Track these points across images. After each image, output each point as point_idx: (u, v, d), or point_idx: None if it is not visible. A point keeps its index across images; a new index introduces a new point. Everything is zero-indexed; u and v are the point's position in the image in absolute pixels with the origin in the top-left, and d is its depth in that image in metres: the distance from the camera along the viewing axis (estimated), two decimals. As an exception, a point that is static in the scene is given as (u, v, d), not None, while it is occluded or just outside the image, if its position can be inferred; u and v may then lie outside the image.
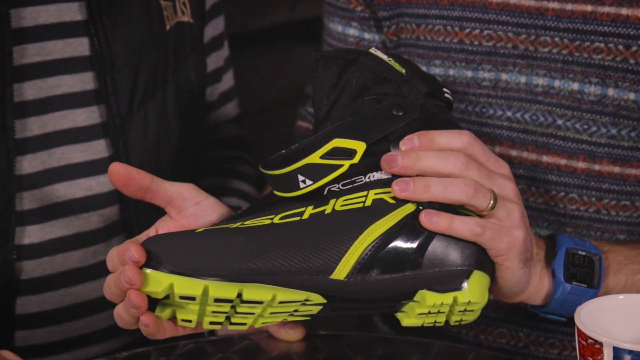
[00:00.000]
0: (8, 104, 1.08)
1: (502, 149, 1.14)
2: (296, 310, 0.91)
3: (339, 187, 0.92)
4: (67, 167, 1.13)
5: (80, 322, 1.17)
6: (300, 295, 0.89)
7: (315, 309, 0.92)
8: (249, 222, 0.90)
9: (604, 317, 0.85)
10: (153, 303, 0.90)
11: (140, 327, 0.91)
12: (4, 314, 1.13)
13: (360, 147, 0.91)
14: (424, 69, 1.16)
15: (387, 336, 1.07)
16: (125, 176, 0.93)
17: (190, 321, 0.90)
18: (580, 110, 1.10)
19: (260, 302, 0.89)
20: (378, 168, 0.92)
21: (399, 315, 0.94)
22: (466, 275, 0.91)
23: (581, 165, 1.11)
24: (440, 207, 0.91)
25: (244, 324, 0.91)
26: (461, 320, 0.94)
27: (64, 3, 1.12)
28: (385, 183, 0.91)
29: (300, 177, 0.91)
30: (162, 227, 0.96)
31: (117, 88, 1.14)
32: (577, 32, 1.08)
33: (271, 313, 0.90)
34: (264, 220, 0.90)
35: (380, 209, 0.90)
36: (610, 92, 1.08)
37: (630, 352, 0.78)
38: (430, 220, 0.90)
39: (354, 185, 0.91)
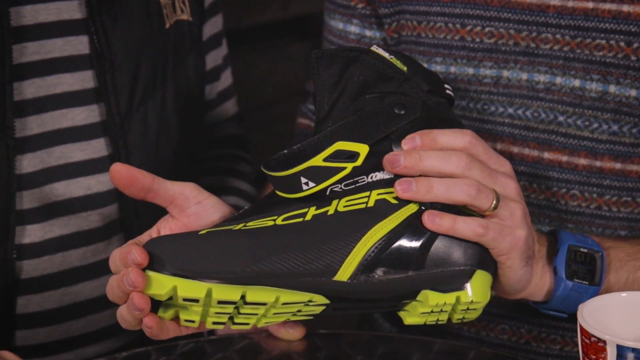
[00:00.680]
0: (8, 103, 1.08)
1: (503, 145, 1.14)
2: (299, 311, 0.91)
3: (341, 188, 0.91)
4: (66, 166, 1.13)
5: (81, 321, 1.17)
6: (304, 296, 0.89)
7: (318, 309, 0.92)
8: (252, 224, 0.90)
9: (607, 315, 0.85)
10: (156, 303, 0.90)
11: (143, 329, 0.90)
12: (4, 313, 1.12)
13: (363, 149, 0.91)
14: (425, 66, 1.16)
15: (388, 335, 1.07)
16: (127, 177, 0.92)
17: (193, 321, 0.90)
18: (582, 107, 1.10)
19: (264, 304, 0.89)
20: (380, 168, 0.92)
21: (401, 313, 0.94)
22: (469, 275, 0.91)
23: (582, 161, 1.11)
24: (442, 207, 0.91)
25: (247, 324, 0.91)
26: (463, 318, 0.94)
27: (63, 1, 1.12)
28: (388, 183, 0.91)
29: (303, 180, 0.91)
30: (163, 226, 0.95)
31: (116, 86, 1.14)
32: (578, 29, 1.08)
33: (274, 313, 0.90)
34: (267, 222, 0.90)
35: (383, 210, 0.90)
36: (612, 88, 1.08)
37: (633, 349, 0.78)
38: (433, 221, 0.90)
39: (357, 185, 0.91)
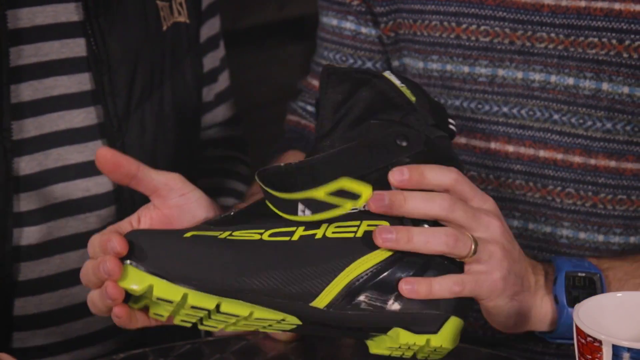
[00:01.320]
0: (5, 105, 1.08)
1: (498, 144, 1.14)
2: (270, 325, 0.91)
3: None
4: (64, 168, 1.13)
5: (79, 323, 1.17)
6: (277, 315, 0.89)
7: (288, 327, 0.92)
8: (238, 234, 0.89)
9: (603, 315, 0.85)
10: (127, 294, 0.89)
11: (112, 317, 0.90)
12: (2, 315, 1.12)
13: (366, 191, 0.90)
14: (421, 64, 1.16)
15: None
16: (113, 162, 0.92)
17: (162, 316, 0.90)
18: (576, 105, 1.10)
19: (237, 316, 0.88)
20: None
21: (368, 342, 0.94)
22: (443, 320, 0.91)
23: (577, 159, 1.11)
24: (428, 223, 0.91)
25: (215, 327, 0.91)
26: (428, 357, 0.94)
27: (60, 4, 1.12)
28: (380, 215, 0.90)
29: (301, 206, 0.90)
30: (144, 215, 0.94)
31: (114, 89, 1.14)
32: (571, 27, 1.09)
33: (245, 324, 0.90)
34: (254, 235, 0.89)
35: (370, 242, 0.89)
36: (605, 86, 1.09)
37: (629, 349, 0.78)
38: (410, 290, 0.89)
39: (349, 211, 0.90)
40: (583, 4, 1.08)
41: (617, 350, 0.79)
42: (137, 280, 0.86)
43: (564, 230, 1.14)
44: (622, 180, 1.11)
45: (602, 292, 0.98)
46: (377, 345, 0.93)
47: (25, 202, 1.11)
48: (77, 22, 1.13)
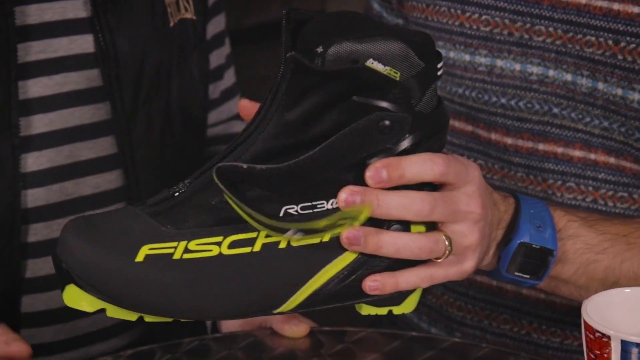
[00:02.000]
0: (13, 102, 1.08)
1: (497, 136, 1.15)
2: None
3: (297, 211, 0.83)
4: (73, 165, 1.13)
5: (86, 320, 1.17)
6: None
7: None
8: (195, 246, 0.83)
9: (611, 311, 0.85)
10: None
11: None
12: (9, 312, 1.12)
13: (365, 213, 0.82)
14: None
15: (393, 332, 1.07)
16: None
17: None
18: (574, 101, 1.11)
19: None
20: None
21: None
22: (407, 294, 0.88)
23: (577, 153, 1.11)
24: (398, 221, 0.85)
25: None
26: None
27: (68, 0, 1.12)
28: None
29: (292, 232, 0.83)
30: None
31: (121, 85, 1.14)
32: (570, 23, 1.09)
33: None
34: (211, 247, 0.83)
35: (338, 246, 0.84)
36: (600, 86, 1.09)
37: (638, 344, 0.78)
38: (375, 288, 0.85)
39: (314, 210, 0.83)
40: (584, 0, 1.08)
41: (625, 345, 0.79)
42: (87, 304, 0.86)
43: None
44: (623, 178, 1.11)
45: (548, 269, 0.94)
46: None
47: (33, 199, 1.11)
48: (85, 19, 1.13)
